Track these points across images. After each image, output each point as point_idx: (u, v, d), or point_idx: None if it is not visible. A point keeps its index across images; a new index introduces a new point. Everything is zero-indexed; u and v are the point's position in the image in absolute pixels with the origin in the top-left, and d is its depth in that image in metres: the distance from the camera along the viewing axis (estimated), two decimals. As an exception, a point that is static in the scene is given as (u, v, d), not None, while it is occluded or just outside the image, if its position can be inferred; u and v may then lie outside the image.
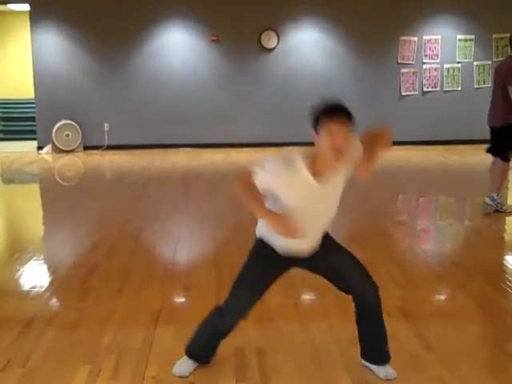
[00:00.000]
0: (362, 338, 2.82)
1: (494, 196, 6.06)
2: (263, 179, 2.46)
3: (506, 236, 5.64)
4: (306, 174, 2.43)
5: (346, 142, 2.41)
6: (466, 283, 4.07)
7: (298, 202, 2.50)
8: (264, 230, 2.63)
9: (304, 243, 2.61)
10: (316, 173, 2.45)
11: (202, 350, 2.84)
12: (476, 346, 3.10)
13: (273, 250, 2.66)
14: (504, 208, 6.07)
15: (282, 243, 2.60)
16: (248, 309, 2.71)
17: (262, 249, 2.69)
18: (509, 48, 6.09)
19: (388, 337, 2.79)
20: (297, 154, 2.46)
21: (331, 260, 2.71)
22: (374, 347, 2.80)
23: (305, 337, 3.21)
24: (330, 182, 2.50)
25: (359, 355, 2.84)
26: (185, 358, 2.82)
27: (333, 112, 2.41)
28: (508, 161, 6.03)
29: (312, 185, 2.45)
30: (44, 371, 2.84)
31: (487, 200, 6.12)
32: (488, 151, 6.15)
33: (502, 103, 5.82)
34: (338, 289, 2.76)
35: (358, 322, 2.79)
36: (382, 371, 2.74)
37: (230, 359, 2.93)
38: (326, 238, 2.73)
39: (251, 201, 2.47)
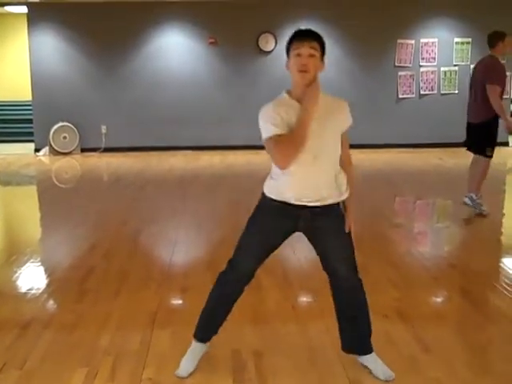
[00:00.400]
0: (340, 329, 2.82)
1: (473, 196, 6.06)
2: (276, 130, 2.49)
3: (503, 238, 5.65)
4: (295, 104, 2.52)
5: (313, 63, 2.52)
6: (462, 285, 4.08)
7: None
8: (274, 177, 2.65)
9: (309, 181, 2.59)
10: (299, 102, 2.53)
11: (208, 322, 2.83)
12: (473, 347, 3.10)
13: (276, 204, 2.64)
14: (482, 209, 6.06)
15: (290, 189, 2.60)
16: (251, 269, 2.71)
17: (264, 205, 2.70)
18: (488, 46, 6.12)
19: (371, 330, 2.79)
20: (280, 96, 2.60)
21: (325, 239, 2.71)
22: (354, 338, 2.80)
23: (302, 338, 3.22)
24: (321, 112, 2.54)
25: (341, 347, 2.85)
26: (192, 346, 2.83)
27: (298, 35, 2.55)
28: (489, 157, 6.06)
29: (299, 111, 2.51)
30: (41, 373, 2.84)
31: (466, 200, 6.12)
32: (468, 149, 6.19)
33: (480, 100, 5.89)
34: (323, 269, 2.77)
35: (337, 312, 2.81)
36: (381, 373, 2.75)
37: (227, 361, 2.94)
38: (336, 209, 2.72)
39: (292, 137, 2.47)
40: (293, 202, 2.61)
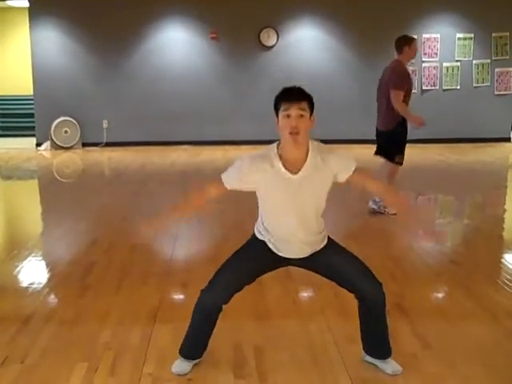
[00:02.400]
0: (366, 335, 2.82)
1: (377, 199, 5.96)
2: (227, 180, 2.61)
3: (505, 234, 5.64)
4: (279, 165, 2.53)
5: (303, 123, 2.48)
6: (464, 281, 4.07)
7: (277, 197, 2.57)
8: (260, 229, 2.71)
9: (293, 244, 2.65)
10: (287, 163, 2.53)
11: (192, 342, 2.82)
12: (474, 343, 3.09)
13: (265, 246, 2.70)
14: (386, 210, 5.94)
15: (274, 244, 2.67)
16: (228, 290, 2.71)
17: (255, 241, 2.74)
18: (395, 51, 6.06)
19: (389, 332, 2.80)
20: (271, 149, 2.57)
21: (330, 261, 2.72)
22: (379, 343, 2.80)
23: (303, 333, 3.21)
24: (304, 174, 2.54)
25: (363, 351, 2.85)
26: (179, 359, 2.82)
27: (287, 96, 2.51)
28: (397, 163, 5.95)
29: (285, 175, 2.53)
30: (42, 368, 2.84)
31: (370, 203, 6.03)
32: (376, 154, 6.10)
33: (386, 107, 5.83)
34: (343, 288, 2.77)
35: (363, 319, 2.79)
36: (389, 367, 2.75)
37: (227, 356, 2.93)
38: (327, 244, 2.74)
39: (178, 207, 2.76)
40: (279, 254, 2.68)
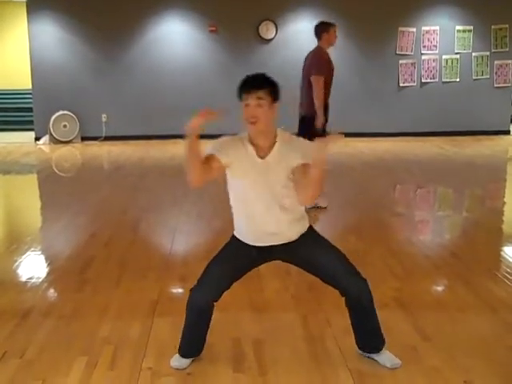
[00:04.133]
0: (355, 330, 2.82)
1: None
2: (211, 151, 2.65)
3: (505, 227, 5.64)
4: (249, 147, 2.57)
5: (262, 113, 2.50)
6: (464, 274, 4.07)
7: (247, 177, 2.58)
8: (236, 220, 2.75)
9: (266, 236, 2.65)
10: (256, 148, 2.58)
11: (189, 341, 2.82)
12: (474, 336, 3.10)
13: (244, 244, 2.72)
14: (318, 203, 5.82)
15: (250, 234, 2.68)
16: (217, 287, 2.71)
17: (233, 239, 2.78)
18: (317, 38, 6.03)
19: (380, 323, 2.80)
20: (243, 134, 2.63)
21: (315, 258, 2.71)
22: (369, 337, 2.81)
23: (301, 327, 3.21)
24: (271, 160, 2.56)
25: (356, 347, 2.85)
26: (177, 355, 2.82)
27: (246, 85, 2.53)
28: None
29: (254, 158, 2.56)
30: (41, 362, 2.84)
31: None
32: None
33: (308, 92, 5.78)
34: (326, 284, 2.77)
35: (351, 315, 2.79)
36: (388, 361, 2.75)
37: (226, 350, 2.94)
38: (307, 231, 2.73)
39: (186, 164, 2.71)
40: (257, 244, 2.67)
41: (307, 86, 5.80)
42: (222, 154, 2.59)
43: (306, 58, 6.04)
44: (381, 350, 2.79)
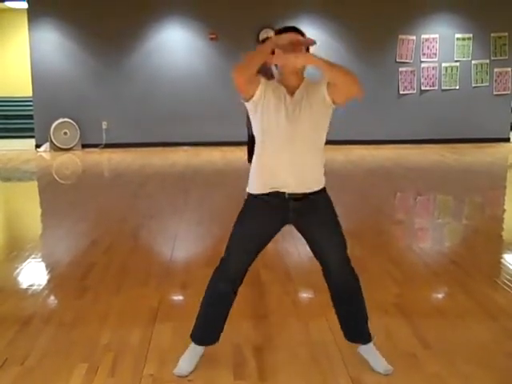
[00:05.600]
0: (339, 319, 2.86)
1: None
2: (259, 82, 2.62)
3: (504, 234, 5.65)
4: (281, 87, 2.64)
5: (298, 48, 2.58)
6: (463, 281, 4.07)
7: (277, 111, 2.59)
8: (251, 178, 2.74)
9: (287, 174, 2.63)
10: (285, 87, 2.64)
11: (205, 327, 2.82)
12: (473, 343, 3.10)
13: (261, 199, 2.69)
14: None
15: (268, 176, 2.66)
16: (240, 272, 2.73)
17: (250, 203, 2.74)
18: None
19: (367, 316, 2.82)
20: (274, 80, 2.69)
21: (316, 231, 2.73)
22: (352, 326, 2.84)
23: (302, 333, 3.22)
24: (299, 96, 2.62)
25: (344, 337, 2.88)
26: (191, 346, 2.81)
27: (285, 28, 2.63)
28: None
29: (284, 92, 2.62)
30: (42, 369, 2.84)
31: None
32: (251, 152, 6.07)
33: None
34: (316, 259, 2.80)
35: (334, 301, 2.83)
36: (381, 366, 2.77)
37: (227, 357, 2.94)
38: (321, 197, 2.73)
39: (251, 56, 2.58)
40: (275, 190, 2.65)
41: None
42: (262, 82, 2.62)
43: None
44: (366, 342, 2.81)
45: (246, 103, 2.65)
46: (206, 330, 2.83)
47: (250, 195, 2.74)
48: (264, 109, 2.61)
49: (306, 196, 2.66)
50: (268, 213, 2.70)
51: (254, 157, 2.75)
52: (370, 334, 2.82)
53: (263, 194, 2.67)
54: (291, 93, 2.63)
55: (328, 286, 2.81)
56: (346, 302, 2.81)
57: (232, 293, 2.76)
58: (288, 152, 2.61)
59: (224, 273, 2.75)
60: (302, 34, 2.63)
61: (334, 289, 2.80)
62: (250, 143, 5.91)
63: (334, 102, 2.63)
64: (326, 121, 2.67)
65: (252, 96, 2.61)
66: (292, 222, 2.73)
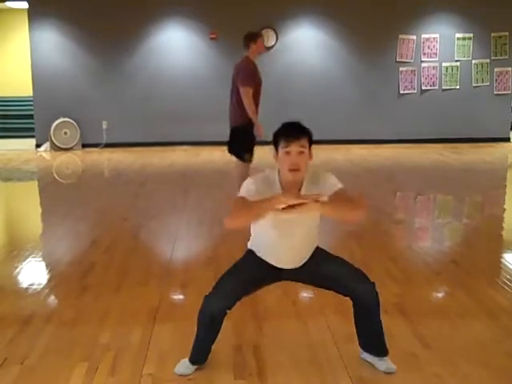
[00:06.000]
0: (362, 334, 2.85)
1: None
2: (246, 195, 2.58)
3: (505, 234, 5.65)
4: (278, 187, 2.59)
5: (302, 160, 2.54)
6: (463, 281, 4.08)
7: (273, 217, 2.57)
8: (255, 243, 2.80)
9: (288, 260, 2.74)
10: (283, 187, 2.60)
11: (199, 348, 2.82)
12: (473, 343, 3.10)
13: (258, 261, 2.78)
14: None
15: (269, 258, 2.75)
16: (233, 296, 2.71)
17: (251, 254, 2.82)
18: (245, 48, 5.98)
19: (384, 330, 2.82)
20: (273, 173, 2.64)
21: (322, 270, 2.77)
22: (375, 340, 2.83)
23: (302, 334, 3.22)
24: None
25: (360, 347, 2.87)
26: (185, 362, 2.82)
27: (287, 133, 2.55)
28: (246, 161, 5.85)
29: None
30: (42, 368, 2.85)
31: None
32: (229, 152, 6.00)
33: (236, 103, 5.77)
34: (339, 294, 2.80)
35: (358, 320, 2.82)
36: (383, 365, 2.77)
37: (228, 357, 2.94)
38: (316, 249, 2.81)
39: (247, 209, 2.54)
40: (273, 264, 2.76)
41: (237, 99, 5.76)
42: (254, 198, 2.57)
43: (234, 69, 5.97)
44: (385, 355, 2.81)
45: None
46: (204, 351, 2.85)
47: (251, 251, 2.82)
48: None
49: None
50: (265, 269, 2.77)
51: (255, 235, 2.80)
52: (387, 349, 2.82)
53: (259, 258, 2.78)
54: (288, 191, 2.57)
55: (356, 308, 2.80)
56: (373, 320, 2.79)
57: (223, 317, 2.74)
58: (291, 253, 2.72)
59: (210, 310, 2.72)
60: (308, 134, 2.57)
61: (362, 309, 2.77)
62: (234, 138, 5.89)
63: None
64: (319, 217, 2.72)
65: None
66: (290, 278, 2.85)
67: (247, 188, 2.61)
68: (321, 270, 2.76)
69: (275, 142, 2.59)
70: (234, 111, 5.85)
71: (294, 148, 2.52)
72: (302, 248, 2.76)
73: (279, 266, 2.75)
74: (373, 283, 2.73)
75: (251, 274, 2.76)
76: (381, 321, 2.80)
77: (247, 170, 5.88)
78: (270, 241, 2.71)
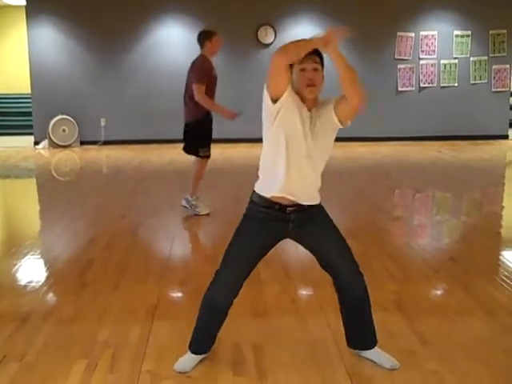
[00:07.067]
0: (347, 327, 2.86)
1: (189, 198, 5.90)
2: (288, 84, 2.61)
3: (503, 231, 5.66)
4: (297, 98, 2.61)
5: (317, 77, 2.62)
6: (462, 278, 4.08)
7: (294, 123, 2.58)
8: (264, 170, 2.71)
9: (296, 188, 2.63)
10: (301, 97, 2.62)
11: (201, 338, 2.83)
12: (472, 340, 3.10)
13: (261, 212, 2.67)
14: (198, 210, 5.88)
15: (276, 186, 2.64)
16: (237, 283, 2.72)
17: (251, 214, 2.73)
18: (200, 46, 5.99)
19: (374, 322, 2.83)
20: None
21: (321, 241, 2.74)
22: (362, 334, 2.84)
23: (301, 331, 3.22)
24: (315, 116, 2.62)
25: (346, 343, 2.88)
26: (187, 354, 2.83)
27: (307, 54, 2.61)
28: (204, 157, 5.92)
29: (302, 106, 2.60)
30: (41, 365, 2.85)
31: (183, 202, 5.96)
32: (184, 149, 6.04)
33: (189, 99, 5.88)
34: (324, 269, 2.79)
35: (345, 311, 2.83)
36: (387, 362, 2.78)
37: (226, 354, 2.94)
38: (319, 208, 2.74)
39: (296, 44, 2.64)
40: (280, 199, 2.63)
41: (189, 95, 5.83)
42: (289, 90, 2.60)
43: (190, 66, 6.01)
44: (372, 347, 2.82)
45: (270, 106, 2.58)
46: (203, 341, 2.85)
47: (250, 206, 2.73)
48: (285, 116, 2.58)
49: (305, 208, 2.68)
50: (266, 226, 2.69)
51: (266, 162, 2.71)
52: (376, 339, 2.83)
53: (263, 206, 2.67)
54: (308, 107, 2.62)
55: (338, 297, 2.81)
56: (357, 313, 2.81)
57: (228, 305, 2.76)
58: (305, 168, 2.63)
59: (220, 286, 2.74)
60: (321, 55, 2.67)
61: (346, 301, 2.79)
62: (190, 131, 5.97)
63: (340, 122, 2.65)
64: (332, 141, 2.71)
65: (280, 96, 2.57)
66: (292, 234, 2.74)
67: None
68: (322, 238, 2.73)
69: (290, 64, 2.61)
70: (187, 107, 5.95)
71: (309, 65, 2.60)
72: (312, 177, 2.66)
73: (287, 196, 2.62)
74: (361, 275, 2.75)
75: (253, 247, 2.70)
76: (371, 315, 2.80)
77: (204, 166, 5.93)
78: (289, 150, 2.59)
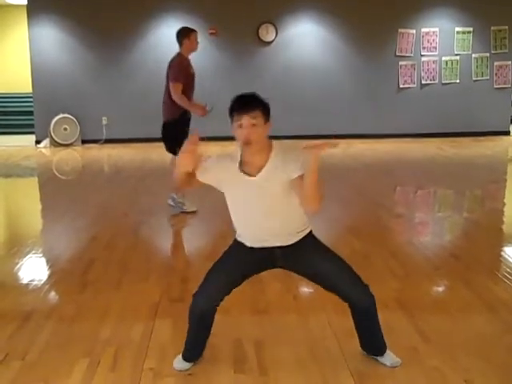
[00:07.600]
0: (360, 334, 2.85)
1: (174, 196, 5.91)
2: (201, 172, 2.61)
3: (505, 227, 5.65)
4: (237, 167, 2.56)
5: (255, 132, 2.48)
6: (464, 275, 4.08)
7: (239, 197, 2.61)
8: (236, 225, 2.75)
9: (269, 233, 2.64)
10: (248, 165, 2.56)
11: (190, 346, 2.83)
12: (474, 336, 3.10)
13: (247, 251, 2.72)
14: (185, 208, 5.89)
15: (249, 236, 2.69)
16: (220, 292, 2.72)
17: (236, 244, 2.78)
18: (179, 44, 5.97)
19: (381, 328, 2.81)
20: (237, 151, 2.59)
21: (317, 268, 2.71)
22: (373, 341, 2.83)
23: (303, 329, 3.22)
24: (263, 175, 2.54)
25: (360, 347, 2.87)
26: (179, 358, 2.83)
27: (238, 105, 2.52)
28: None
29: (243, 177, 2.55)
30: (43, 364, 2.85)
31: (169, 201, 5.97)
32: (167, 150, 6.07)
33: (167, 98, 5.93)
34: (328, 291, 2.78)
35: (355, 320, 2.81)
36: (388, 360, 2.78)
37: (228, 351, 2.94)
38: (307, 238, 2.73)
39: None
40: (257, 246, 2.67)
41: (167, 93, 5.88)
42: (203, 175, 2.63)
43: (168, 64, 5.99)
44: (384, 352, 2.81)
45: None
46: (197, 348, 2.85)
47: (235, 240, 2.77)
48: (227, 191, 2.63)
49: (290, 245, 2.68)
50: (253, 260, 2.71)
51: (232, 219, 2.74)
52: (385, 345, 2.83)
53: (247, 248, 2.70)
54: (251, 171, 2.54)
55: (351, 310, 2.78)
56: (367, 323, 2.79)
57: (213, 314, 2.75)
58: (266, 225, 2.62)
59: (203, 292, 2.73)
60: (262, 104, 2.53)
61: (357, 313, 2.77)
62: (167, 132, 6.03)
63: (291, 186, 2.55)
64: (290, 192, 2.57)
65: (214, 182, 2.64)
66: (283, 266, 2.77)
67: (208, 160, 2.62)
68: (316, 265, 2.71)
69: (230, 116, 2.55)
70: (165, 106, 6.01)
71: (246, 121, 2.47)
72: (281, 218, 2.62)
73: (263, 244, 2.64)
74: (367, 286, 2.72)
75: (237, 266, 2.72)
76: (377, 321, 2.78)
77: None
78: (245, 212, 2.63)
